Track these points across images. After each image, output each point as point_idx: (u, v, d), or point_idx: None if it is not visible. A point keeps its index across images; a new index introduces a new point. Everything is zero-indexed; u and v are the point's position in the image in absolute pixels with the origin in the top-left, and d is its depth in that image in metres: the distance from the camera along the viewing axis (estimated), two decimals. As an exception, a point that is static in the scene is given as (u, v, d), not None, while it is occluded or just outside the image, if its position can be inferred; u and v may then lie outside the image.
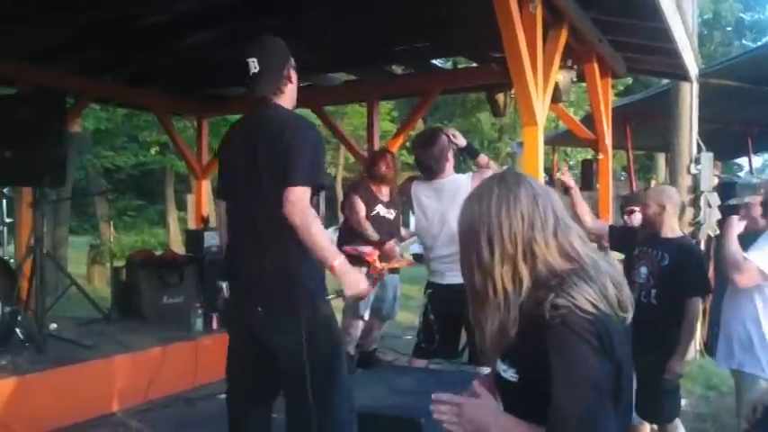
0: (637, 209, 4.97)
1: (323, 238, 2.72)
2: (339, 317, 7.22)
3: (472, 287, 1.51)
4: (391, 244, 5.63)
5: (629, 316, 1.45)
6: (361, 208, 5.73)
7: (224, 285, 2.92)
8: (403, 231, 6.22)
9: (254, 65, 2.82)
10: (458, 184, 4.11)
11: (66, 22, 5.61)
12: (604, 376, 1.36)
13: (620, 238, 4.28)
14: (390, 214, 5.90)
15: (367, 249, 5.61)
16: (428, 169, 4.19)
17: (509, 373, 1.48)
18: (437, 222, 4.16)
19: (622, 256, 4.29)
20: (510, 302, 1.45)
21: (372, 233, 5.68)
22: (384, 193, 5.87)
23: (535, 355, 1.39)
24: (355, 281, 2.79)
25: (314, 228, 2.67)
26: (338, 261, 2.74)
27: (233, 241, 2.99)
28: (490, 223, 1.47)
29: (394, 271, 6.01)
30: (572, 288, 1.38)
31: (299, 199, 2.65)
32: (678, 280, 3.69)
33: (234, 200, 2.95)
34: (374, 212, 5.79)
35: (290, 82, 2.90)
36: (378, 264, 5.70)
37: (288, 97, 2.91)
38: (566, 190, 4.51)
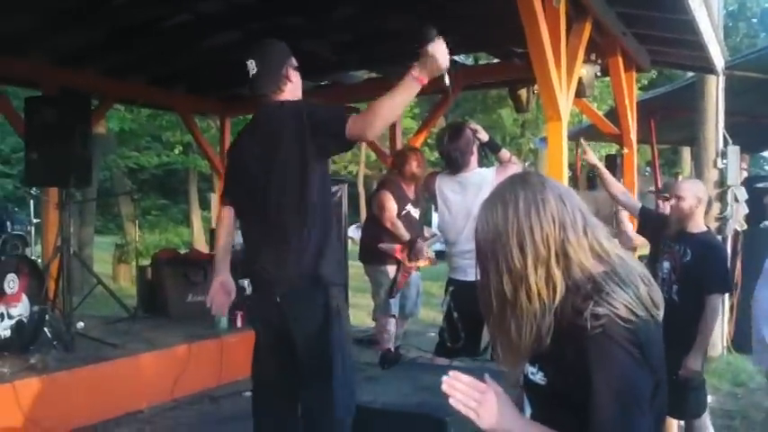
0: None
1: (394, 99, 2.67)
2: (359, 314, 7.23)
3: (500, 295, 1.44)
4: (422, 243, 5.63)
5: (661, 312, 1.42)
6: (394, 206, 5.69)
7: (246, 283, 2.96)
8: (425, 231, 6.20)
9: (252, 66, 2.94)
10: (482, 178, 4.10)
11: (92, 25, 5.66)
12: (645, 387, 1.34)
13: (649, 222, 4.18)
14: (417, 213, 5.88)
15: (397, 248, 5.64)
16: (454, 162, 4.18)
17: (538, 377, 1.46)
18: (462, 217, 4.14)
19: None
20: (546, 308, 1.39)
21: (404, 233, 5.65)
22: (412, 191, 5.84)
23: (569, 365, 1.37)
24: (439, 62, 2.64)
25: (384, 111, 2.67)
26: (416, 72, 2.64)
27: (250, 238, 3.05)
28: (520, 227, 1.41)
29: (417, 269, 6.02)
30: (610, 295, 1.35)
31: (355, 123, 2.68)
32: (700, 276, 3.63)
33: (247, 197, 2.98)
34: (405, 211, 5.75)
35: (290, 81, 2.95)
36: (407, 262, 5.66)
37: (289, 95, 2.95)
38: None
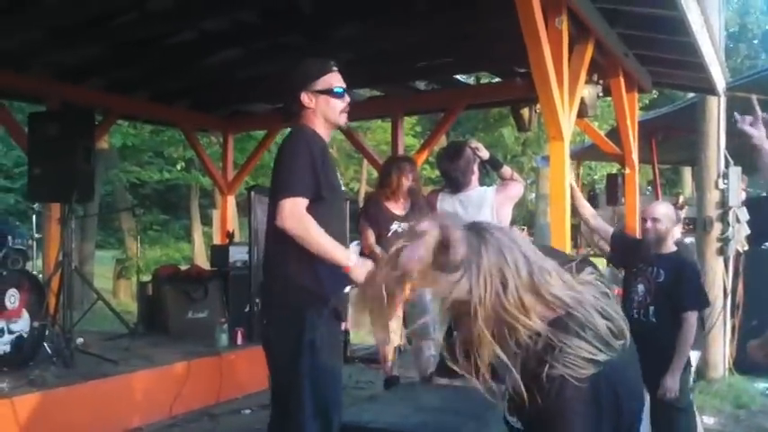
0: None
1: (325, 243, 2.72)
2: (360, 332, 7.19)
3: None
4: None
5: (626, 339, 1.41)
6: (370, 234, 5.14)
7: (257, 301, 3.00)
8: None
9: None
10: (483, 197, 4.11)
11: (96, 41, 5.70)
12: None
13: (621, 247, 4.21)
14: None
15: None
16: (454, 182, 4.19)
17: (519, 424, 1.48)
18: None
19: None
20: (513, 368, 1.38)
21: None
22: (400, 206, 5.15)
23: (537, 423, 1.39)
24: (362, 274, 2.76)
25: (311, 235, 2.69)
26: (352, 262, 2.74)
27: None
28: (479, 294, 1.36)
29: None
30: (563, 352, 1.34)
31: (288, 210, 2.67)
32: (675, 295, 3.65)
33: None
34: (390, 233, 5.21)
35: (303, 107, 2.90)
36: None
37: (310, 119, 2.91)
38: (590, 202, 4.48)
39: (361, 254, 5.29)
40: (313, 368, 2.74)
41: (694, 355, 4.32)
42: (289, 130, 3.06)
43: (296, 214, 2.68)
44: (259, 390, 5.59)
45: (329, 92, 2.94)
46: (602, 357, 1.34)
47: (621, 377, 1.37)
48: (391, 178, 5.05)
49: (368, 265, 2.78)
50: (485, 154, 4.24)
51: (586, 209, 4.41)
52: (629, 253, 4.04)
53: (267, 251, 2.91)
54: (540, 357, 1.35)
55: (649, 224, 3.80)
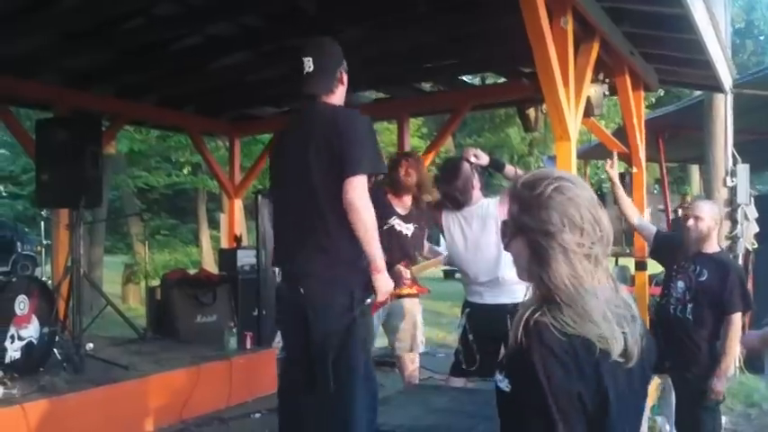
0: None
1: (375, 232, 2.85)
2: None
3: None
4: (399, 268, 4.61)
5: (632, 359, 1.40)
6: None
7: (277, 270, 3.00)
8: (426, 247, 5.07)
9: (308, 64, 2.96)
10: (485, 211, 4.08)
11: (103, 47, 5.73)
12: (572, 394, 1.35)
13: (663, 247, 4.20)
14: (407, 230, 4.84)
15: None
16: (455, 201, 4.17)
17: (504, 384, 1.46)
18: (472, 250, 4.13)
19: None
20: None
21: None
22: (403, 204, 4.82)
23: (522, 368, 1.40)
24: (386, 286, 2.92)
25: (370, 217, 2.81)
26: (384, 269, 2.87)
27: (279, 229, 3.11)
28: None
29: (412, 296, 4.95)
30: (557, 312, 1.38)
31: (359, 187, 2.76)
32: (716, 296, 3.62)
33: (281, 191, 3.08)
34: (386, 226, 4.70)
35: (342, 84, 3.04)
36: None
37: (337, 97, 3.02)
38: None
39: None
40: (364, 333, 2.88)
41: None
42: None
43: (364, 192, 2.78)
44: (269, 393, 5.59)
45: (347, 71, 3.09)
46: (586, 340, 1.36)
47: (609, 371, 1.37)
48: (393, 173, 4.77)
49: (391, 283, 2.91)
50: (484, 160, 4.16)
51: (630, 209, 4.42)
52: (672, 251, 4.03)
53: (307, 224, 2.90)
54: (539, 306, 1.41)
55: (692, 222, 3.78)
